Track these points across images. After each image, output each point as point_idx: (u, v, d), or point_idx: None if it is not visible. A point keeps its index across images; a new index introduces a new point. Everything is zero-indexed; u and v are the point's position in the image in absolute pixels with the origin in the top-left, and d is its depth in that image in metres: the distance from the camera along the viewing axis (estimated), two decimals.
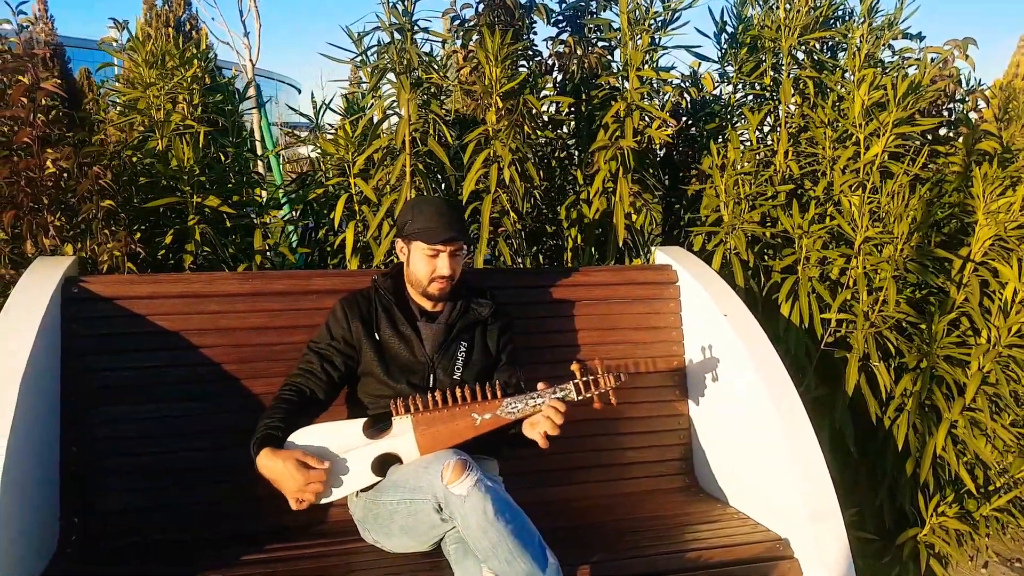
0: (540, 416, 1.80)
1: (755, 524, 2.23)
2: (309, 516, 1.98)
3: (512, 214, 2.71)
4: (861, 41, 3.08)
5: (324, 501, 1.77)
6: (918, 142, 3.14)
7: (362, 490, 1.84)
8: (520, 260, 3.15)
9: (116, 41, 2.46)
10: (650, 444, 2.62)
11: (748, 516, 2.30)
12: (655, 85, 3.00)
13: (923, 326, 2.81)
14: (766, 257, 3.09)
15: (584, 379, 1.88)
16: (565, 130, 3.40)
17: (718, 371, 2.51)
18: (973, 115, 3.53)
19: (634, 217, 3.11)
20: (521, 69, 2.74)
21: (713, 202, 2.97)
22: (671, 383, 2.66)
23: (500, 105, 2.55)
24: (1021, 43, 13.49)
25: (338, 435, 1.79)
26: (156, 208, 2.30)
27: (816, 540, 2.05)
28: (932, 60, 3.26)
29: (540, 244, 3.40)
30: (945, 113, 3.52)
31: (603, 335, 2.63)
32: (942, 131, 3.51)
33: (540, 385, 1.85)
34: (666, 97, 3.20)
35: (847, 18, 3.23)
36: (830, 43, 3.35)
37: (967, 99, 3.53)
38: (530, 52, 2.95)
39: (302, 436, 1.77)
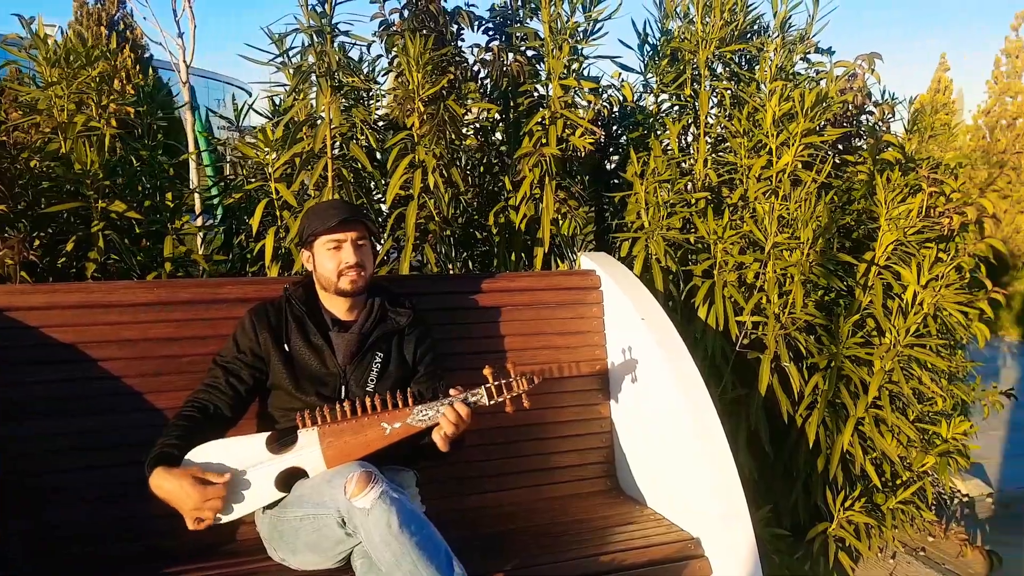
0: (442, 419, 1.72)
1: (670, 525, 2.20)
2: (218, 534, 1.86)
3: (437, 219, 2.62)
4: (774, 54, 3.09)
5: (225, 519, 1.66)
6: (829, 152, 3.17)
7: (267, 507, 1.73)
8: (450, 266, 3.07)
9: (20, 38, 2.28)
10: (573, 448, 2.58)
11: (664, 517, 2.26)
12: (580, 94, 2.94)
13: (833, 327, 2.83)
14: (689, 262, 3.08)
15: (496, 383, 1.81)
16: (499, 136, 3.33)
17: (637, 374, 2.47)
18: (881, 126, 3.58)
19: (561, 223, 3.06)
20: (449, 75, 2.65)
21: (635, 209, 2.93)
22: (594, 387, 2.62)
23: (422, 110, 2.45)
24: (942, 60, 13.80)
25: (240, 451, 1.68)
26: (59, 214, 2.13)
27: (725, 539, 2.03)
28: (840, 74, 3.29)
29: (471, 250, 3.32)
30: (858, 123, 3.57)
31: (528, 340, 2.57)
32: (859, 142, 3.55)
33: (452, 391, 1.77)
34: (593, 106, 3.15)
35: (762, 32, 3.23)
36: (747, 56, 3.35)
37: (875, 111, 3.58)
38: (457, 58, 2.86)
39: (201, 453, 1.65)
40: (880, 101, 3.60)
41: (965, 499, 3.72)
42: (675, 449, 2.25)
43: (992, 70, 10.22)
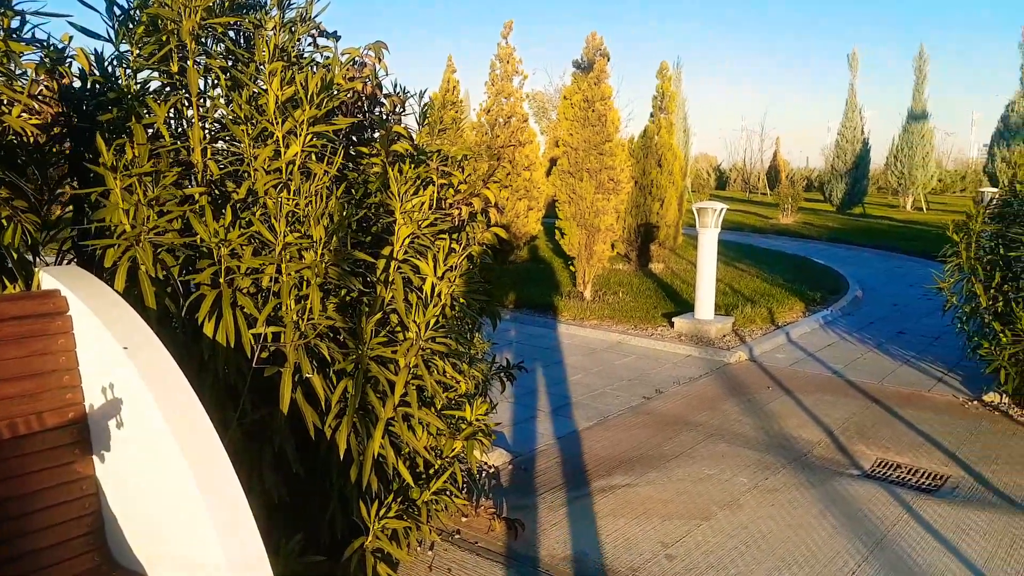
0: None
1: None
2: None
3: None
4: (274, 32, 2.90)
5: None
6: (341, 143, 3.11)
7: None
8: None
9: None
10: (45, 524, 2.05)
11: None
12: (15, 60, 2.32)
13: (358, 328, 2.78)
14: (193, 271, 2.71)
15: None
16: None
17: (124, 417, 2.05)
18: (393, 118, 3.68)
19: (5, 231, 2.40)
20: None
21: (114, 209, 2.45)
22: (68, 441, 2.12)
23: None
24: (449, 62, 15.38)
25: None
26: None
27: None
28: (346, 60, 3.26)
29: None
30: (371, 114, 3.60)
31: None
32: (374, 134, 3.58)
33: None
34: (37, 78, 2.53)
35: (259, 7, 3.00)
36: (246, 33, 3.09)
37: (386, 102, 3.67)
38: None
39: None
40: (391, 92, 3.70)
41: (492, 471, 4.14)
42: (177, 500, 1.92)
43: (489, 73, 11.84)
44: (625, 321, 7.86)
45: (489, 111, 11.72)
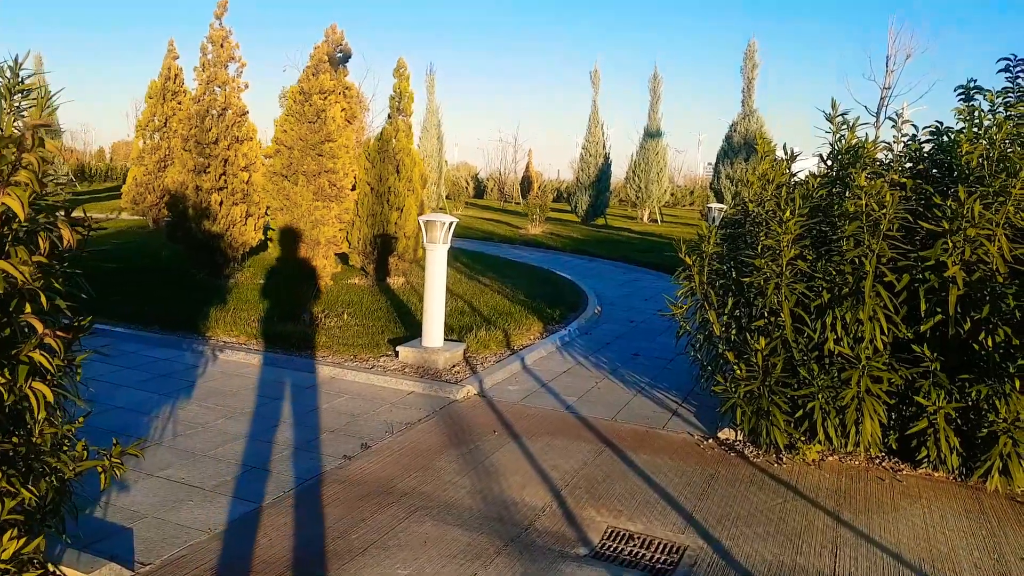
0: None
1: None
2: None
3: None
4: None
5: None
6: None
7: None
8: None
9: None
10: None
11: None
12: None
13: None
14: None
15: None
16: None
17: None
18: None
19: None
20: None
21: None
22: None
23: None
24: (171, 47, 13.14)
25: None
26: None
27: None
28: None
29: None
30: None
31: None
32: None
33: None
34: None
35: None
36: None
37: None
38: None
39: None
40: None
41: None
42: None
43: (200, 57, 10.09)
44: (344, 351, 6.72)
45: (199, 100, 9.97)
